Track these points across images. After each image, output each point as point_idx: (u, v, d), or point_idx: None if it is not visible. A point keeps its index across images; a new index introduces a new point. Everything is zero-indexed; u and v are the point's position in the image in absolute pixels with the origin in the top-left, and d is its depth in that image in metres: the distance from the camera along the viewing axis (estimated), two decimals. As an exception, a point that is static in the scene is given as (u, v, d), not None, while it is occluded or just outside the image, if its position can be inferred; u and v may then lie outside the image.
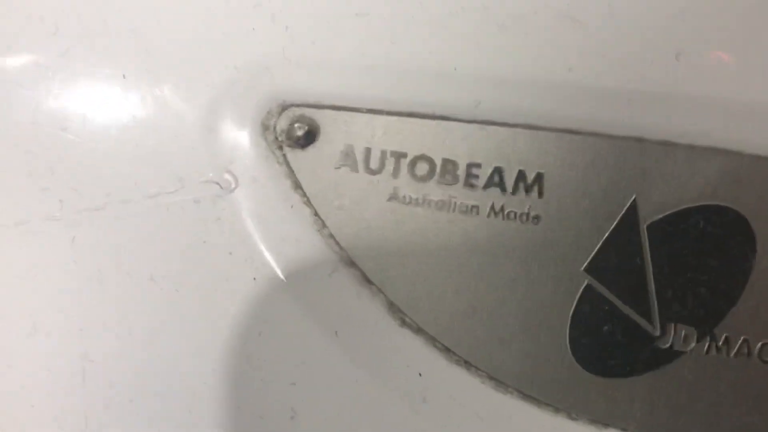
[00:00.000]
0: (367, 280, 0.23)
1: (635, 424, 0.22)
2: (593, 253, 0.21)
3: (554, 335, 0.22)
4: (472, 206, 0.22)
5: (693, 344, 0.21)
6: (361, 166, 0.22)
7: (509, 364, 0.22)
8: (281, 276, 0.23)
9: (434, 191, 0.22)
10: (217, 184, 0.23)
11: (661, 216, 0.21)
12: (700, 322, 0.21)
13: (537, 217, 0.22)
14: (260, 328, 0.23)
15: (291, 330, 0.23)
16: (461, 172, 0.22)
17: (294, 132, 0.23)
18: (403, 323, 0.23)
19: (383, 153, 0.22)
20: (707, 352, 0.21)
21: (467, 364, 0.22)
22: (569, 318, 0.22)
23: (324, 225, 0.23)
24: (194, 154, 0.23)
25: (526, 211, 0.22)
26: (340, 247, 0.23)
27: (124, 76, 0.24)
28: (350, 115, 0.22)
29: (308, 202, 0.23)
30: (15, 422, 0.25)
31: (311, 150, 0.23)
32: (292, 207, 0.23)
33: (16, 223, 0.24)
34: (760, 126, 0.21)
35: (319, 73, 0.23)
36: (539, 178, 0.22)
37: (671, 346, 0.21)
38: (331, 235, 0.23)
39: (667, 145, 0.21)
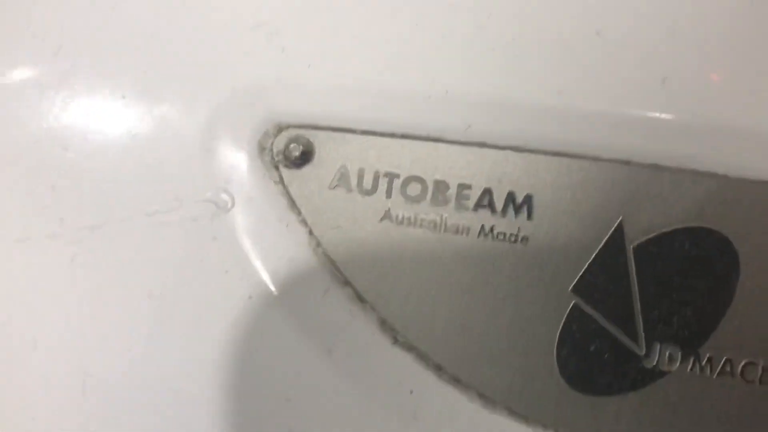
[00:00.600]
0: (360, 298, 0.23)
1: (622, 441, 0.22)
2: (580, 273, 0.22)
3: (542, 353, 0.22)
4: (463, 227, 0.22)
5: (677, 364, 0.21)
6: (354, 186, 0.23)
7: (498, 382, 0.22)
8: (276, 294, 0.23)
9: (426, 212, 0.22)
10: (214, 203, 0.23)
11: (647, 237, 0.21)
12: (684, 342, 0.21)
13: (526, 238, 0.22)
14: (256, 346, 0.23)
15: (286, 347, 0.23)
16: (452, 193, 0.22)
17: (290, 152, 0.23)
18: (395, 341, 0.23)
19: (376, 173, 0.23)
20: (691, 371, 0.21)
21: (457, 381, 0.23)
22: (557, 337, 0.22)
23: (319, 244, 0.23)
24: (192, 174, 0.23)
25: (515, 232, 0.22)
26: (335, 266, 0.23)
27: (123, 96, 0.24)
28: (345, 136, 0.23)
29: (303, 222, 0.23)
30: (16, 435, 0.25)
31: (307, 170, 0.23)
32: (287, 226, 0.23)
33: (17, 240, 0.24)
34: (745, 149, 0.21)
35: (315, 95, 0.23)
36: (528, 199, 0.22)
37: (656, 366, 0.21)
38: (326, 254, 0.23)
39: (653, 168, 0.21)
